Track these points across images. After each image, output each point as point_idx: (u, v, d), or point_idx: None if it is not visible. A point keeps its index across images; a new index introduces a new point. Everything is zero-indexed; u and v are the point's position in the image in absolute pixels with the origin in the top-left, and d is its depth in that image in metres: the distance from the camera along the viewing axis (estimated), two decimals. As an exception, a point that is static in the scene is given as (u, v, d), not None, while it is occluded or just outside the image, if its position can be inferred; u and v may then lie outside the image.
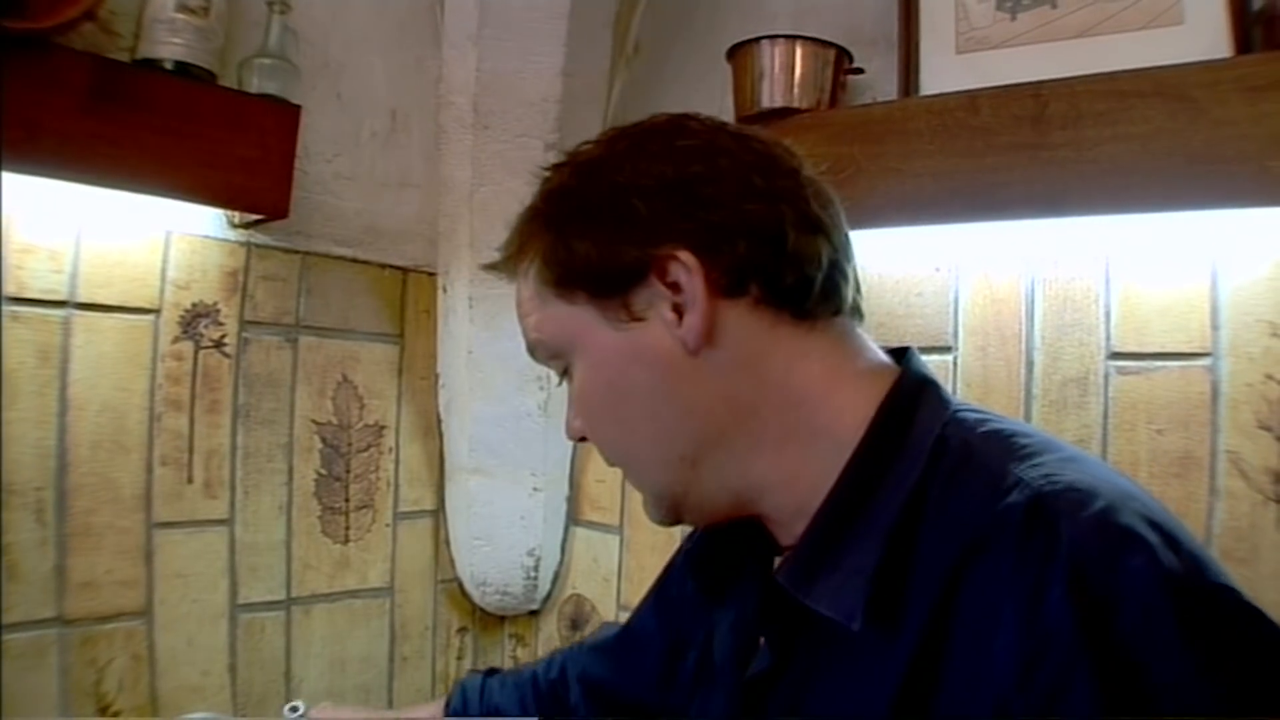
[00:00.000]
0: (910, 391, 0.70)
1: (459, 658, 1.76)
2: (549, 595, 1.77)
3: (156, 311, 1.35)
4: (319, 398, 1.55)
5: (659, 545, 1.62)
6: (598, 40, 1.60)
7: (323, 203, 1.54)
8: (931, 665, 0.60)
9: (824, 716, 0.68)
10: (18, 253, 1.22)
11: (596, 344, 0.73)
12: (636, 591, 1.65)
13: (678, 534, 1.58)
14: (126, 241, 1.32)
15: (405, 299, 1.67)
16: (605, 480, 1.73)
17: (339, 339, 1.57)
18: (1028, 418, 1.25)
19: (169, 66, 1.25)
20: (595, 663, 1.08)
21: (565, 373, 0.78)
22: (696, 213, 0.70)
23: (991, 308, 1.30)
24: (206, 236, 1.40)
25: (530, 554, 1.72)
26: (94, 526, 1.28)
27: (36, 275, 1.24)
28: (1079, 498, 0.57)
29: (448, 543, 1.73)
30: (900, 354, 0.76)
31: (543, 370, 1.64)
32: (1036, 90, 1.17)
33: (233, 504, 1.44)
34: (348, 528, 1.59)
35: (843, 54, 1.40)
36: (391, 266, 1.65)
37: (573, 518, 1.77)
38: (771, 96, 1.38)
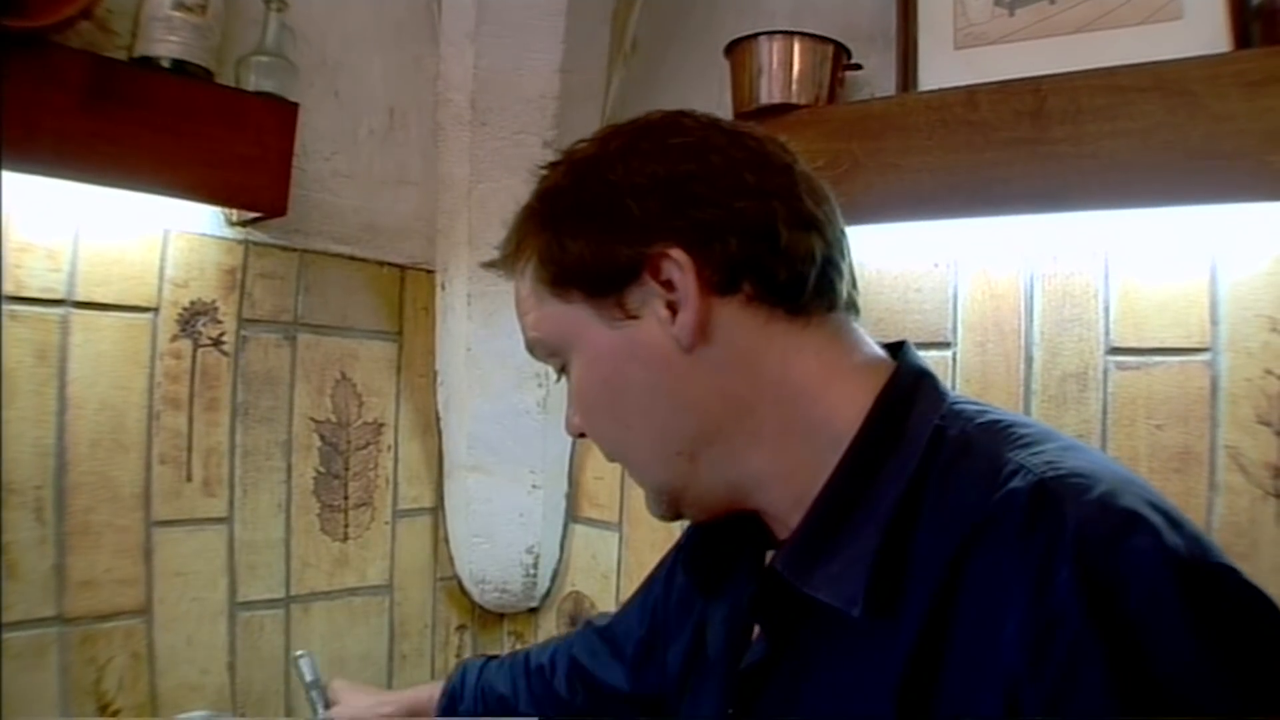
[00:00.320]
0: (906, 384, 0.71)
1: (458, 655, 1.76)
2: (548, 592, 1.77)
3: (155, 310, 1.35)
4: (317, 395, 1.55)
5: (658, 542, 1.62)
6: (595, 37, 1.60)
7: (321, 200, 1.54)
8: (935, 651, 0.60)
9: (823, 709, 0.69)
10: (16, 251, 1.22)
11: (592, 342, 0.74)
12: (635, 588, 1.65)
13: (677, 530, 1.58)
14: (124, 240, 1.32)
15: (403, 296, 1.67)
16: (604, 477, 1.73)
17: (337, 337, 1.57)
18: (1027, 413, 1.25)
19: (166, 65, 1.25)
20: (581, 648, 1.12)
21: (563, 370, 0.79)
22: (688, 211, 0.70)
23: (990, 303, 1.30)
24: (204, 234, 1.40)
25: (529, 551, 1.72)
26: (93, 525, 1.28)
27: (34, 274, 1.24)
28: (1082, 482, 0.58)
29: (447, 540, 1.73)
30: (897, 348, 0.76)
31: (541, 367, 1.63)
32: (1035, 85, 1.16)
33: (232, 502, 1.43)
34: (347, 525, 1.58)
35: (841, 50, 1.40)
36: (390, 264, 1.64)
37: (572, 515, 1.77)
38: (770, 92, 1.38)
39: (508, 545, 1.70)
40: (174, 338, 1.37)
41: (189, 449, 1.39)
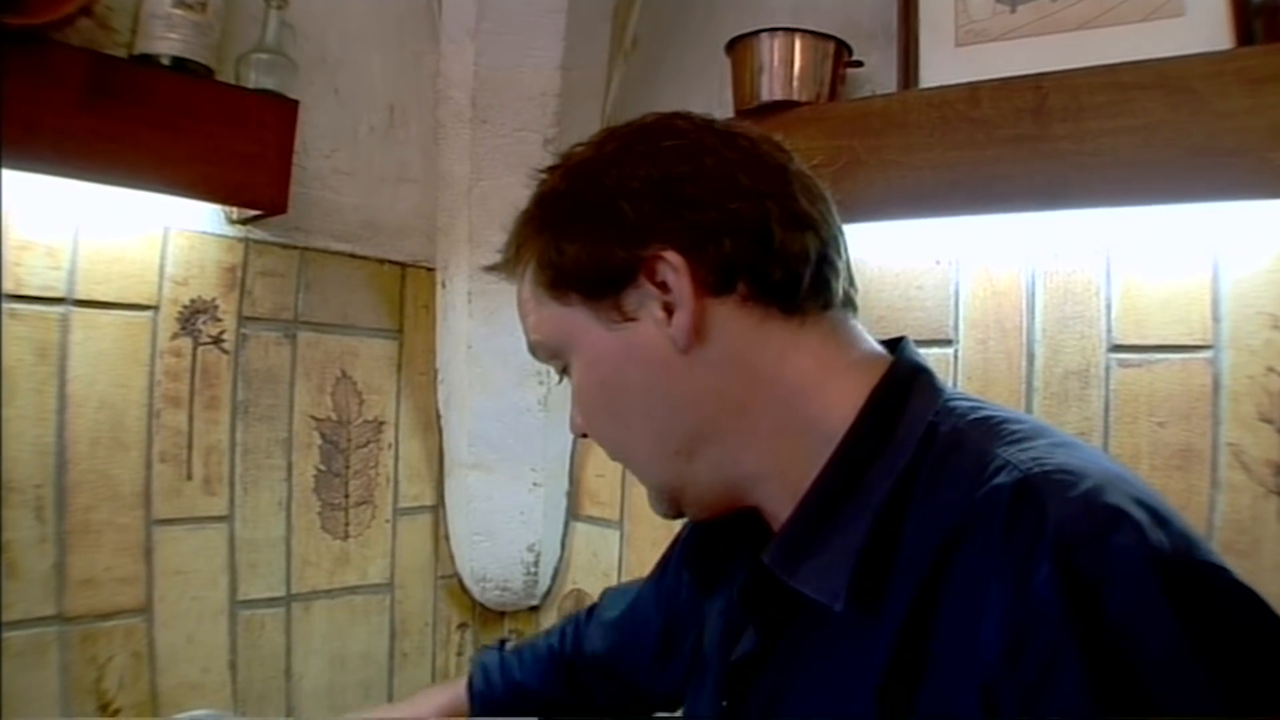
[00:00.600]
0: (902, 380, 0.71)
1: (459, 653, 1.76)
2: (549, 590, 1.77)
3: (155, 308, 1.35)
4: (318, 393, 1.54)
5: (659, 540, 1.62)
6: (596, 35, 1.60)
7: (321, 198, 1.53)
8: (917, 647, 0.60)
9: (809, 702, 0.69)
10: (15, 250, 1.22)
11: (591, 344, 0.75)
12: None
13: (678, 528, 1.58)
14: (124, 238, 1.31)
15: (404, 294, 1.67)
16: (605, 475, 1.72)
17: (338, 334, 1.57)
18: (1028, 411, 1.25)
19: (166, 62, 1.25)
20: (602, 639, 1.10)
21: (564, 371, 0.80)
22: (682, 213, 0.71)
23: (992, 300, 1.30)
24: (204, 232, 1.40)
25: (530, 549, 1.71)
26: (93, 524, 1.28)
27: (34, 272, 1.23)
28: (1066, 479, 0.58)
29: (447, 538, 1.73)
30: (895, 345, 0.76)
31: (542, 365, 1.62)
32: (1037, 82, 1.16)
33: (232, 500, 1.43)
34: (347, 524, 1.58)
35: (842, 47, 1.40)
36: (390, 262, 1.64)
37: (572, 513, 1.77)
38: (771, 90, 1.38)
39: (509, 543, 1.70)
40: (174, 336, 1.37)
41: (189, 447, 1.39)
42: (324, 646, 1.55)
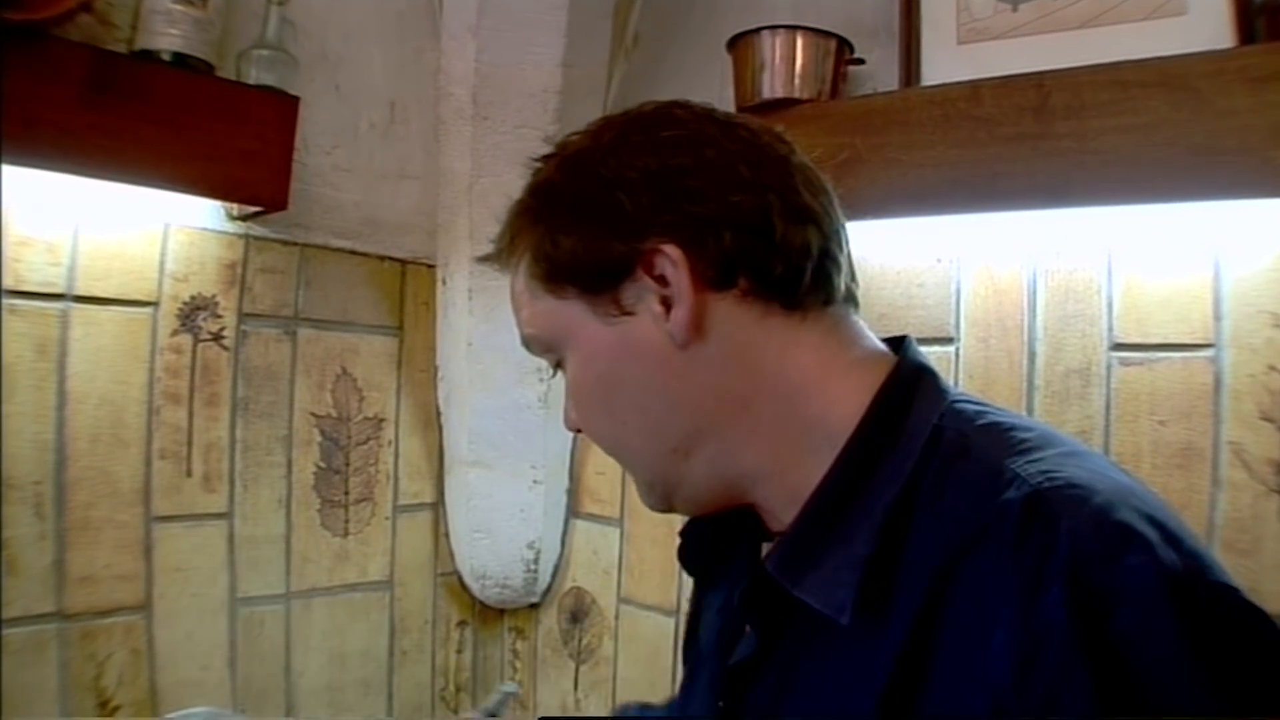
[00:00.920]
0: (906, 381, 0.69)
1: (459, 651, 1.76)
2: (549, 588, 1.77)
3: (155, 304, 1.34)
4: (318, 390, 1.54)
5: (659, 538, 1.62)
6: (597, 31, 1.60)
7: (321, 195, 1.53)
8: (921, 660, 0.59)
9: (809, 708, 0.68)
10: (15, 245, 1.22)
11: (587, 338, 0.73)
12: (637, 584, 1.66)
13: (678, 526, 1.58)
14: (124, 234, 1.31)
15: (404, 291, 1.66)
16: (605, 473, 1.72)
17: (338, 331, 1.57)
18: (1030, 409, 1.25)
19: (166, 58, 1.24)
20: None
21: (558, 365, 0.78)
22: (681, 205, 0.69)
23: (993, 299, 1.30)
24: (205, 229, 1.40)
25: (530, 547, 1.71)
26: (93, 520, 1.28)
27: (34, 268, 1.23)
28: (1078, 494, 0.57)
29: (447, 536, 1.73)
30: (898, 343, 0.75)
31: (542, 362, 1.62)
32: (1039, 80, 1.16)
33: (232, 497, 1.43)
34: (347, 521, 1.58)
35: (843, 44, 1.40)
36: (390, 258, 1.64)
37: (573, 510, 1.76)
38: (772, 87, 1.38)
39: (509, 541, 1.70)
40: (174, 332, 1.36)
41: (189, 444, 1.38)
42: (324, 644, 1.55)
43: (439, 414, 1.71)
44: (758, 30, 1.39)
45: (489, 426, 1.66)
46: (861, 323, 0.76)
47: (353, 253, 1.58)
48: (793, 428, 0.70)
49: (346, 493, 1.58)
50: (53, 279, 1.25)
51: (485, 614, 1.79)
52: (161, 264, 1.35)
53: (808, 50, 1.38)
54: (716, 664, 0.79)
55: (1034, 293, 1.26)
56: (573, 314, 0.73)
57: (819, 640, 0.67)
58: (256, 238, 1.46)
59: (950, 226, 1.31)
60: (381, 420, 1.63)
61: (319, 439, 1.54)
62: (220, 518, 1.42)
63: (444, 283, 1.67)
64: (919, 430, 0.66)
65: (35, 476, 1.24)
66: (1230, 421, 1.11)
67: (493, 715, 1.11)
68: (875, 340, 0.75)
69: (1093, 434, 1.19)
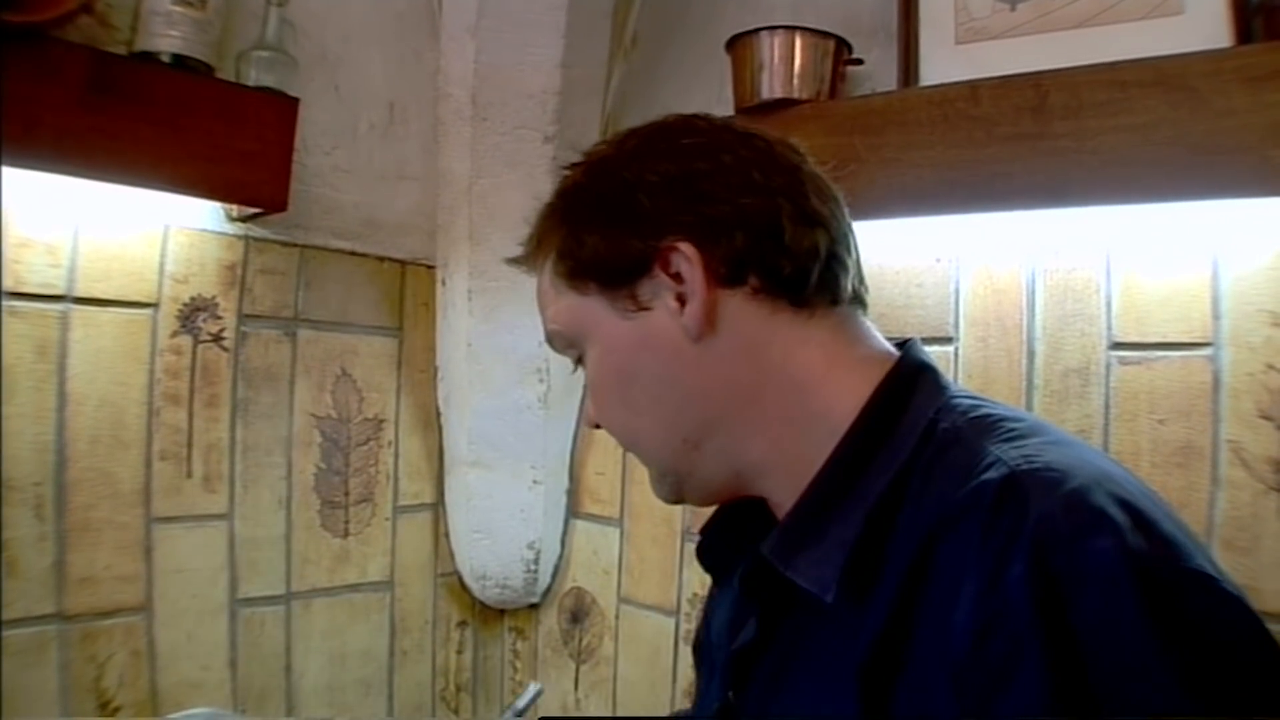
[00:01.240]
0: (906, 377, 0.73)
1: (459, 651, 1.76)
2: (549, 588, 1.77)
3: (155, 305, 1.35)
4: (318, 391, 1.54)
5: (659, 537, 1.62)
6: (596, 32, 1.60)
7: (321, 195, 1.53)
8: (899, 637, 0.62)
9: (801, 690, 0.71)
10: (15, 247, 1.22)
11: (606, 332, 0.77)
12: (636, 584, 1.66)
13: (678, 526, 1.59)
14: (124, 235, 1.31)
15: (404, 292, 1.67)
16: (605, 473, 1.73)
17: (338, 332, 1.57)
18: (1029, 408, 1.25)
19: (166, 59, 1.25)
20: None
21: (579, 361, 0.82)
22: (697, 206, 0.73)
23: (992, 298, 1.30)
24: (204, 230, 1.40)
25: (530, 547, 1.72)
26: (93, 522, 1.28)
27: (34, 270, 1.23)
28: (1053, 477, 0.58)
29: (447, 536, 1.73)
30: (905, 345, 0.78)
31: (541, 363, 1.65)
32: (1037, 80, 1.16)
33: (232, 498, 1.43)
34: (347, 522, 1.58)
35: (842, 45, 1.40)
36: (390, 259, 1.64)
37: (572, 510, 1.77)
38: (771, 88, 1.38)
39: (509, 541, 1.70)
40: (174, 334, 1.36)
41: (189, 445, 1.39)
42: (324, 644, 1.55)
43: (439, 414, 1.71)
44: (756, 31, 1.39)
45: (489, 427, 1.66)
46: (869, 323, 0.79)
47: (352, 254, 1.58)
48: (798, 420, 0.73)
49: (346, 493, 1.58)
50: (53, 280, 1.25)
51: (485, 614, 1.80)
52: (161, 265, 1.35)
53: (806, 51, 1.38)
54: (725, 653, 0.82)
55: (1033, 292, 1.27)
56: (593, 309, 0.77)
57: (812, 624, 0.70)
58: (256, 239, 1.46)
59: (949, 226, 1.31)
60: (381, 421, 1.63)
61: (319, 440, 1.54)
62: (220, 519, 1.42)
63: (443, 283, 1.67)
64: (915, 423, 0.69)
65: (35, 478, 1.24)
66: (1229, 420, 1.11)
67: (520, 714, 1.13)
68: (881, 340, 0.78)
69: (1092, 433, 1.19)
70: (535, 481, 1.70)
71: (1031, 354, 1.26)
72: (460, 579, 1.75)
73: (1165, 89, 1.08)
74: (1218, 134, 1.05)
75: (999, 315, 1.29)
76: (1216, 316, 1.13)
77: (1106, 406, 1.20)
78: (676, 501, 0.83)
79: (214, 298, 1.41)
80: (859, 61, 1.42)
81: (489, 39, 1.53)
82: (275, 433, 1.49)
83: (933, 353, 1.29)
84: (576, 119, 1.58)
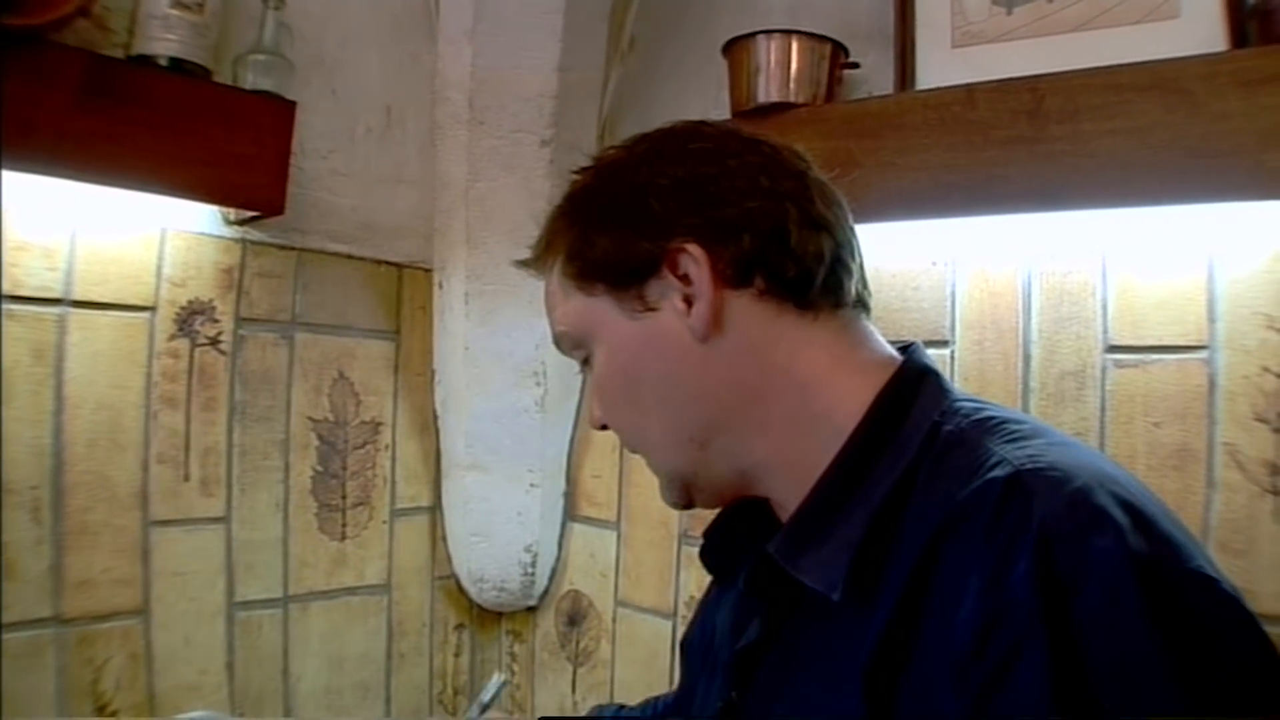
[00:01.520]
0: (910, 380, 0.74)
1: (456, 654, 1.76)
2: (546, 591, 1.77)
3: (152, 309, 1.35)
4: (315, 394, 1.54)
5: (656, 541, 1.62)
6: (593, 36, 1.60)
7: (318, 199, 1.53)
8: (904, 636, 0.62)
9: (805, 689, 0.71)
10: (12, 250, 1.22)
11: (614, 333, 0.79)
12: (634, 587, 1.66)
13: (674, 529, 1.59)
14: (121, 238, 1.31)
15: (401, 295, 1.67)
16: (602, 476, 1.73)
17: (335, 335, 1.57)
18: (1025, 411, 1.25)
19: (163, 63, 1.25)
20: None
21: (586, 362, 0.84)
22: (705, 209, 0.75)
23: (988, 301, 1.30)
24: (202, 233, 1.40)
25: (527, 550, 1.72)
26: (90, 525, 1.28)
27: (31, 273, 1.23)
28: (1057, 477, 0.59)
29: (444, 539, 1.73)
30: (908, 349, 0.79)
31: (539, 366, 1.65)
32: (1033, 84, 1.16)
33: (229, 502, 1.43)
34: (344, 525, 1.58)
35: (839, 48, 1.40)
36: (387, 263, 1.64)
37: (570, 513, 1.77)
38: (767, 91, 1.38)
39: (506, 544, 1.70)
40: (171, 337, 1.36)
41: (186, 448, 1.38)
42: (321, 648, 1.55)
43: (436, 418, 1.71)
44: (753, 34, 1.39)
45: (486, 430, 1.66)
46: (872, 327, 0.80)
47: (349, 257, 1.58)
48: (801, 421, 0.75)
49: (344, 496, 1.58)
50: (50, 284, 1.25)
51: (483, 617, 1.80)
52: (158, 269, 1.35)
53: (803, 54, 1.38)
54: (729, 652, 0.82)
55: (1029, 295, 1.27)
56: (601, 310, 0.79)
57: (817, 624, 0.71)
58: (253, 242, 1.46)
59: (945, 229, 1.31)
60: (378, 424, 1.63)
61: (316, 443, 1.54)
62: (218, 522, 1.42)
63: (440, 287, 1.67)
64: (919, 425, 0.70)
65: (33, 481, 1.24)
66: (1225, 423, 1.12)
67: (486, 708, 1.13)
68: (885, 344, 0.80)
69: (1088, 436, 1.20)
70: (532, 484, 1.70)
71: (1027, 357, 1.26)
72: (457, 582, 1.75)
73: (1161, 92, 1.08)
74: (1213, 137, 1.05)
75: (995, 318, 1.29)
76: (1212, 319, 1.13)
77: (1102, 409, 1.20)
78: (686, 506, 0.83)
79: (211, 301, 1.41)
80: (855, 65, 1.42)
81: (486, 42, 1.53)
82: (272, 436, 1.49)
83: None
84: (573, 122, 1.58)
